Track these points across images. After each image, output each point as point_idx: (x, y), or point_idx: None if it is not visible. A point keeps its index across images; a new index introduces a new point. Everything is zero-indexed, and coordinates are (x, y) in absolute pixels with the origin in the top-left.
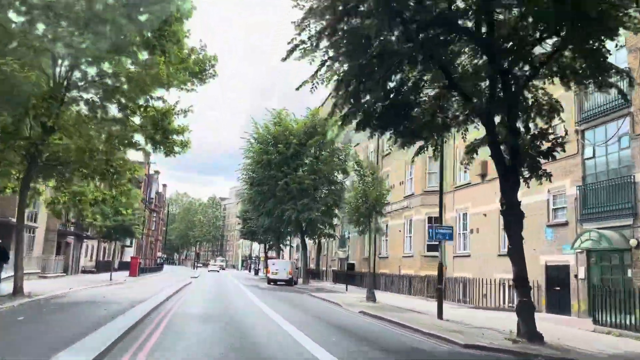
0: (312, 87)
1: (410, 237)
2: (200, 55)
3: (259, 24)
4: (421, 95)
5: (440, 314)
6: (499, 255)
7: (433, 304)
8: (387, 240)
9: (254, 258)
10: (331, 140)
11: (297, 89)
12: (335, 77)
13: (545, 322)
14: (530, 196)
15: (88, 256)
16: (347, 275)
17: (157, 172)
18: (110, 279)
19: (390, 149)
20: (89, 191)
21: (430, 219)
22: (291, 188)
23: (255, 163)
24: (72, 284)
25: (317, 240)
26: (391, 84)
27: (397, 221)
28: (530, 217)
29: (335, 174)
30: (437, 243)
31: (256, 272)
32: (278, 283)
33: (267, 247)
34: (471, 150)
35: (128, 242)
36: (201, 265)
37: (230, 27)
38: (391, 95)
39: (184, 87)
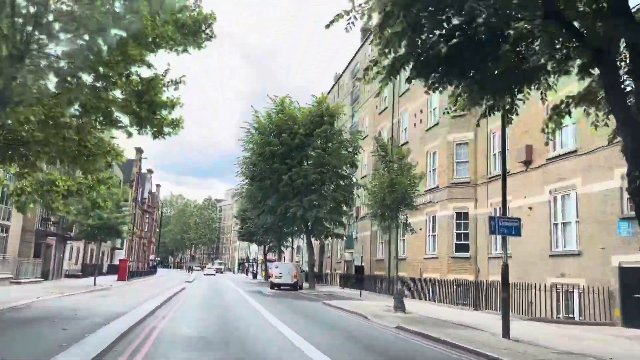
0: (348, 23)
1: (434, 235)
2: (194, 12)
3: (259, 24)
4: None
5: (506, 332)
6: (551, 255)
7: (475, 315)
8: (404, 239)
9: (251, 261)
10: (339, 130)
11: (328, 26)
12: (379, 11)
13: (637, 343)
14: (595, 183)
15: (73, 259)
16: (358, 279)
17: (150, 171)
18: (94, 284)
19: (407, 141)
20: (61, 180)
21: (459, 215)
22: (296, 183)
23: (256, 155)
24: (46, 290)
25: (321, 241)
26: (460, 17)
27: (417, 218)
28: (597, 208)
29: (344, 168)
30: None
31: (254, 276)
32: (282, 288)
33: (267, 248)
34: (562, 111)
35: (118, 244)
36: (199, 268)
37: (230, 27)
38: (457, 33)
39: (174, 48)
